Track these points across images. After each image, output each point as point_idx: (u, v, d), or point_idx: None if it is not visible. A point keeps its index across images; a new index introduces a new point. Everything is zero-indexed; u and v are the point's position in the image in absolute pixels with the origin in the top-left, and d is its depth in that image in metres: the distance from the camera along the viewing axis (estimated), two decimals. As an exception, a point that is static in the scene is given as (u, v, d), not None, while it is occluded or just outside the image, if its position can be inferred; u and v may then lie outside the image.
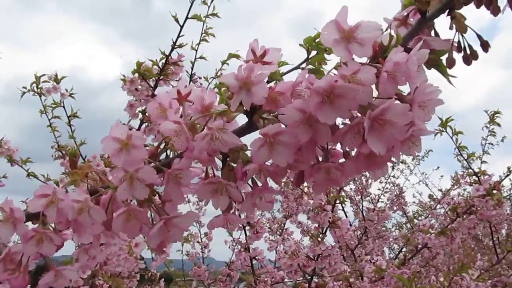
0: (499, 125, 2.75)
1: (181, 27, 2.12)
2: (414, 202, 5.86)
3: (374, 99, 0.52)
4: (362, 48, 0.50)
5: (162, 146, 0.66)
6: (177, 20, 2.11)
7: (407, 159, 5.53)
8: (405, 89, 0.52)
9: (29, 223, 0.66)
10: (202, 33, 2.28)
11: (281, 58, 0.61)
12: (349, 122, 0.51)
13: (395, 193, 5.38)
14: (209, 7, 2.19)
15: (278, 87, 0.54)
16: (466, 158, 2.65)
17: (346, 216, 3.70)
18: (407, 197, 5.49)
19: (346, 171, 0.55)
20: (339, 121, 0.53)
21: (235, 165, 0.58)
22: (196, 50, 2.32)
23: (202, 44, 2.32)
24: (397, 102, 0.49)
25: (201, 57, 2.33)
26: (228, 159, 0.59)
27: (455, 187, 4.61)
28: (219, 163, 0.62)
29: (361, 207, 4.54)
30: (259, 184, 0.59)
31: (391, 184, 5.40)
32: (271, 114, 0.57)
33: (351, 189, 4.87)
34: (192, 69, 2.34)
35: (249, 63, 0.55)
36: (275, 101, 0.55)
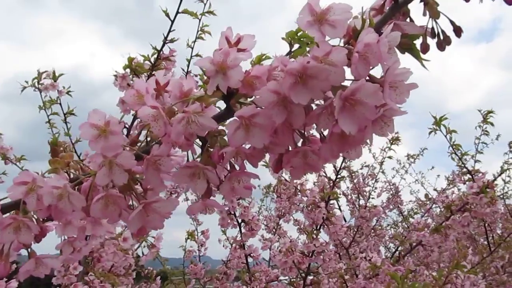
0: (492, 124, 2.75)
1: (172, 22, 2.11)
2: (410, 201, 5.87)
3: (350, 83, 0.52)
4: (334, 29, 0.51)
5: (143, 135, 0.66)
6: (167, 15, 2.11)
7: (402, 158, 5.54)
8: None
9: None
10: (198, 31, 2.28)
11: (259, 49, 0.61)
12: (323, 104, 0.52)
13: (391, 192, 5.39)
14: (205, 4, 2.20)
15: (253, 70, 0.55)
16: (460, 156, 2.65)
17: (341, 212, 3.70)
18: (403, 196, 5.50)
19: (322, 155, 0.55)
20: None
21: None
22: (192, 48, 2.32)
23: (202, 42, 2.33)
24: (368, 82, 0.49)
25: (197, 55, 2.33)
26: (206, 144, 0.60)
27: (450, 186, 4.62)
28: (198, 150, 0.62)
29: (357, 205, 4.54)
30: (237, 168, 0.59)
31: (388, 183, 5.41)
32: (248, 99, 0.58)
33: (347, 187, 4.88)
34: (188, 66, 2.34)
35: (224, 47, 0.56)
36: (251, 85, 0.55)
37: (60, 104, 2.52)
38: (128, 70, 2.06)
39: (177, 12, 2.13)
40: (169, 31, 2.13)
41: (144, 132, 0.66)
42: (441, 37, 0.60)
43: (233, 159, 0.58)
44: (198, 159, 0.61)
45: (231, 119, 0.55)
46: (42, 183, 0.61)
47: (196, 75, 2.43)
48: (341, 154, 0.56)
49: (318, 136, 0.60)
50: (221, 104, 0.61)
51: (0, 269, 0.66)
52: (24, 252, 0.72)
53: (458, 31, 0.60)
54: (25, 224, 0.62)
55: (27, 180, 0.62)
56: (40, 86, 2.48)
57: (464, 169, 2.62)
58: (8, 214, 0.65)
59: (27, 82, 2.48)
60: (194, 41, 2.32)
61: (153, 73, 2.09)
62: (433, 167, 5.91)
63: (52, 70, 2.50)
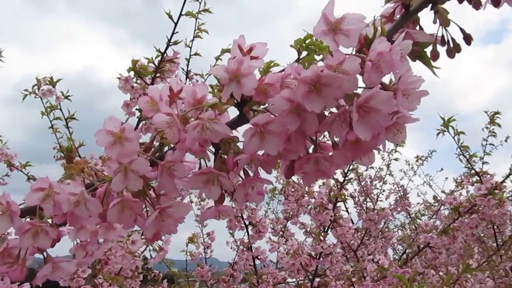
0: (499, 125, 2.73)
1: (175, 24, 2.13)
2: (418, 203, 5.85)
3: (362, 89, 0.53)
4: (348, 39, 0.52)
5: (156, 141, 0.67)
6: (171, 17, 2.12)
7: (410, 160, 5.53)
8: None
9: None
10: (195, 30, 2.30)
11: (267, 53, 0.62)
12: (335, 111, 0.52)
13: (399, 194, 5.38)
14: (200, 3, 2.21)
15: (267, 78, 0.56)
16: (468, 158, 2.64)
17: (349, 215, 3.70)
18: (411, 198, 5.48)
19: (335, 161, 0.56)
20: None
21: (226, 156, 0.59)
22: (190, 47, 2.34)
23: (200, 41, 2.34)
24: (382, 90, 0.50)
25: (195, 54, 2.34)
26: (220, 151, 0.61)
27: (459, 188, 4.60)
28: (211, 156, 0.63)
29: (365, 208, 4.53)
30: (251, 174, 0.60)
31: (396, 185, 5.40)
32: (261, 107, 0.59)
33: (355, 190, 4.88)
34: (187, 66, 2.36)
35: (238, 55, 0.57)
36: (265, 92, 0.56)
37: (61, 109, 2.53)
38: (132, 72, 2.07)
39: (180, 14, 2.15)
40: (173, 33, 2.15)
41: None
42: (451, 45, 0.61)
43: (247, 165, 0.59)
44: (211, 166, 0.62)
45: (247, 126, 0.55)
46: (59, 189, 0.62)
47: (196, 74, 2.45)
48: (353, 161, 0.56)
49: (328, 142, 0.61)
50: (231, 110, 0.62)
51: (17, 274, 0.67)
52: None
53: (468, 38, 0.61)
54: (43, 230, 0.63)
55: (44, 186, 0.63)
56: (40, 92, 2.49)
57: (472, 171, 2.61)
58: (25, 219, 0.67)
59: (27, 90, 2.50)
60: (192, 40, 2.35)
61: (157, 75, 2.10)
62: (442, 169, 5.89)
63: (50, 75, 2.52)
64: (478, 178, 2.48)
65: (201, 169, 0.60)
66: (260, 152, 0.57)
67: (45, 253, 0.70)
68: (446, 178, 5.87)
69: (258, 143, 0.54)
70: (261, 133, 0.54)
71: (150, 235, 0.62)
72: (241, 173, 0.61)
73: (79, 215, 0.62)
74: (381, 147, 0.53)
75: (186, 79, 2.42)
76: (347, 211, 3.70)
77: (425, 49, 0.58)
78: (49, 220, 0.66)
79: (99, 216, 0.63)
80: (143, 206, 0.65)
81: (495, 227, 3.36)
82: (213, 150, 0.62)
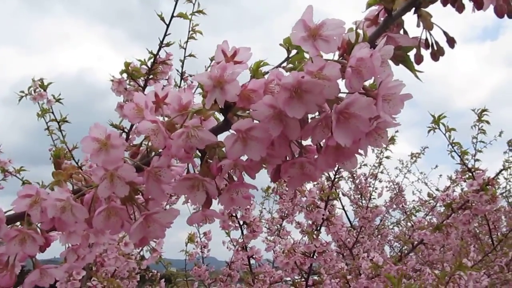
0: (488, 122, 2.74)
1: (167, 25, 2.14)
2: (414, 200, 5.87)
3: (345, 94, 0.54)
4: (328, 44, 0.52)
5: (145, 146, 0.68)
6: (163, 19, 2.13)
7: (404, 157, 5.55)
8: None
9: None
10: (189, 31, 2.31)
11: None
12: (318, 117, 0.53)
13: (395, 192, 5.39)
14: (194, 4, 2.22)
15: (250, 84, 0.56)
16: (459, 154, 2.65)
17: (346, 213, 3.72)
18: (407, 195, 5.50)
19: (319, 165, 0.56)
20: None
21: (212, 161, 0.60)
22: (185, 49, 2.35)
23: (194, 42, 2.35)
24: (362, 96, 0.50)
25: (190, 55, 2.35)
26: (206, 156, 0.61)
27: (453, 185, 4.61)
28: (198, 161, 0.63)
29: (361, 205, 4.54)
30: (235, 179, 0.60)
31: (391, 183, 5.42)
32: (246, 112, 0.59)
33: (350, 188, 4.89)
34: (182, 67, 2.36)
35: (221, 62, 0.57)
36: (248, 98, 0.56)
37: (53, 112, 2.54)
38: (124, 75, 2.07)
39: (172, 16, 2.15)
40: (165, 35, 2.16)
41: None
42: (435, 48, 0.61)
43: (231, 170, 0.59)
44: (198, 171, 0.62)
45: (229, 133, 0.56)
46: (46, 195, 0.62)
47: (190, 75, 2.46)
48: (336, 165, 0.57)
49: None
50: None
51: (6, 280, 0.68)
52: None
53: (451, 41, 0.61)
54: (30, 236, 0.63)
55: (31, 193, 0.63)
56: (30, 96, 2.49)
57: (465, 167, 2.62)
58: (12, 225, 0.67)
59: (23, 92, 2.50)
60: (186, 42, 2.36)
61: (150, 77, 2.10)
62: (437, 166, 5.91)
63: (40, 79, 2.51)
64: (471, 174, 2.49)
65: (186, 174, 0.61)
66: (244, 157, 0.57)
67: (34, 259, 0.71)
68: (440, 176, 5.91)
69: (241, 148, 0.55)
70: (244, 139, 0.54)
71: (136, 241, 0.62)
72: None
73: (65, 221, 0.62)
74: (362, 152, 0.53)
75: (181, 81, 2.43)
76: (343, 209, 3.72)
77: (408, 53, 0.58)
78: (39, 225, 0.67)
79: (86, 221, 0.64)
80: (132, 211, 0.65)
81: (490, 223, 3.37)
82: (200, 155, 0.62)
